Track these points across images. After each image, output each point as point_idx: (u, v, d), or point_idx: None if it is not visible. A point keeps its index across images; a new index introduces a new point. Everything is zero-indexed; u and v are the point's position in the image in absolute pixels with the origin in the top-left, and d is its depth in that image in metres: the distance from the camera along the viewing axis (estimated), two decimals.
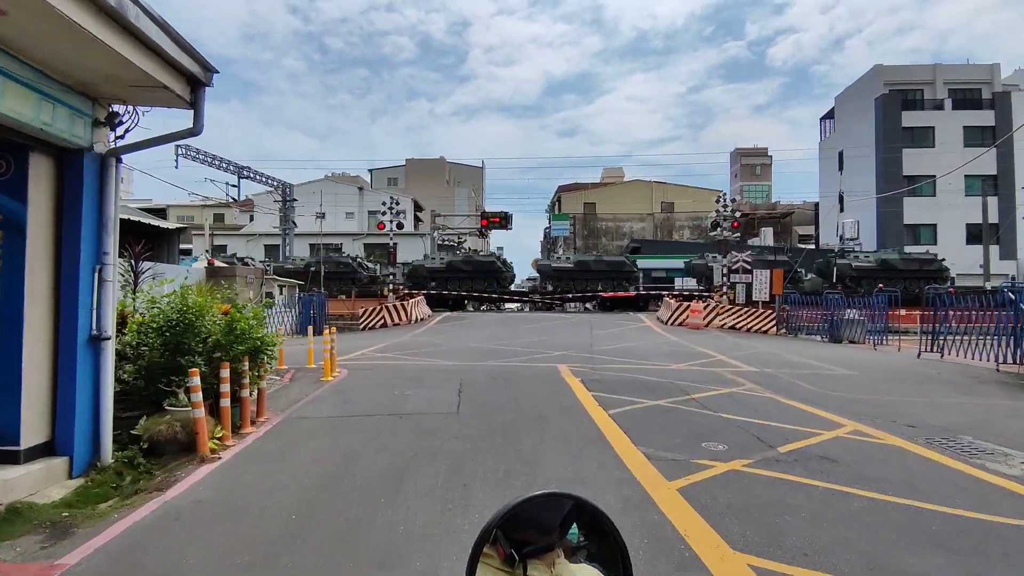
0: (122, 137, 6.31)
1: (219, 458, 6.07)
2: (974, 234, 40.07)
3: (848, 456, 6.05)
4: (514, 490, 4.99)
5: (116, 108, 6.10)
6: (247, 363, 7.06)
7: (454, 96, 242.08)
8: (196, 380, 6.03)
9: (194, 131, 5.79)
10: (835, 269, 32.59)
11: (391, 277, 31.32)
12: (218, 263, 18.46)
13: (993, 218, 37.23)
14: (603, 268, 37.58)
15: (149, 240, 10.94)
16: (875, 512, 4.55)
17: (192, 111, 5.81)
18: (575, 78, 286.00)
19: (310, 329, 14.72)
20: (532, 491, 1.09)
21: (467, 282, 36.42)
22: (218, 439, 6.42)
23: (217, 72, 5.84)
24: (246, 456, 6.17)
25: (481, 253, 40.02)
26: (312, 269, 35.87)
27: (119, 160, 5.99)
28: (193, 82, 5.79)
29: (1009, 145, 34.77)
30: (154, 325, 6.75)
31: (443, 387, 10.08)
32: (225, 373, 6.51)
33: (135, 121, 6.32)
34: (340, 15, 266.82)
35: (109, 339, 5.80)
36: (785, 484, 5.15)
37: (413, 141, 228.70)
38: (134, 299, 7.94)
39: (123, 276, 8.16)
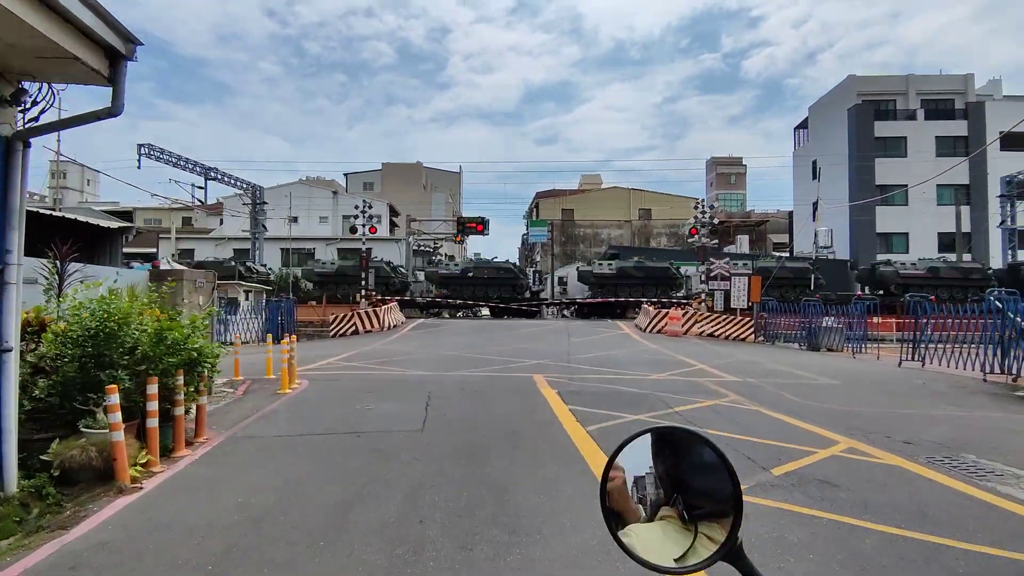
0: (36, 119, 5.54)
1: (140, 488, 5.29)
2: (946, 243, 40.56)
3: (849, 479, 5.50)
4: (477, 524, 4.32)
5: (26, 85, 5.33)
6: (182, 377, 6.26)
7: (433, 102, 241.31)
8: (114, 398, 5.24)
9: (113, 111, 5.02)
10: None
11: (363, 283, 30.36)
12: (173, 266, 17.42)
13: (965, 227, 37.71)
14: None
15: (89, 241, 10.01)
16: (890, 550, 3.97)
17: (111, 88, 5.05)
18: (554, 86, 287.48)
19: (269, 337, 13.82)
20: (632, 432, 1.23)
21: (638, 288, 35.43)
22: (142, 465, 5.63)
23: (140, 44, 5.09)
24: (173, 485, 5.38)
25: (650, 259, 38.33)
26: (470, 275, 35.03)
27: (27, 144, 5.20)
28: (112, 55, 5.03)
29: (981, 155, 35.24)
30: (72, 334, 5.93)
31: (410, 400, 9.36)
32: (152, 389, 5.72)
33: (51, 101, 5.55)
34: (318, 19, 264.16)
35: (11, 351, 4.98)
36: (785, 516, 4.55)
37: (392, 147, 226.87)
38: (59, 304, 7.08)
39: (47, 279, 7.30)
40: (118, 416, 5.25)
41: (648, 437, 1.22)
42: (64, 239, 8.08)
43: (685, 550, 1.13)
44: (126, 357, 5.93)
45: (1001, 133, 26.63)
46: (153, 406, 5.72)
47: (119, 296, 6.47)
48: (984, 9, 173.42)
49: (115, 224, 10.02)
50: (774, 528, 4.31)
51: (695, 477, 1.18)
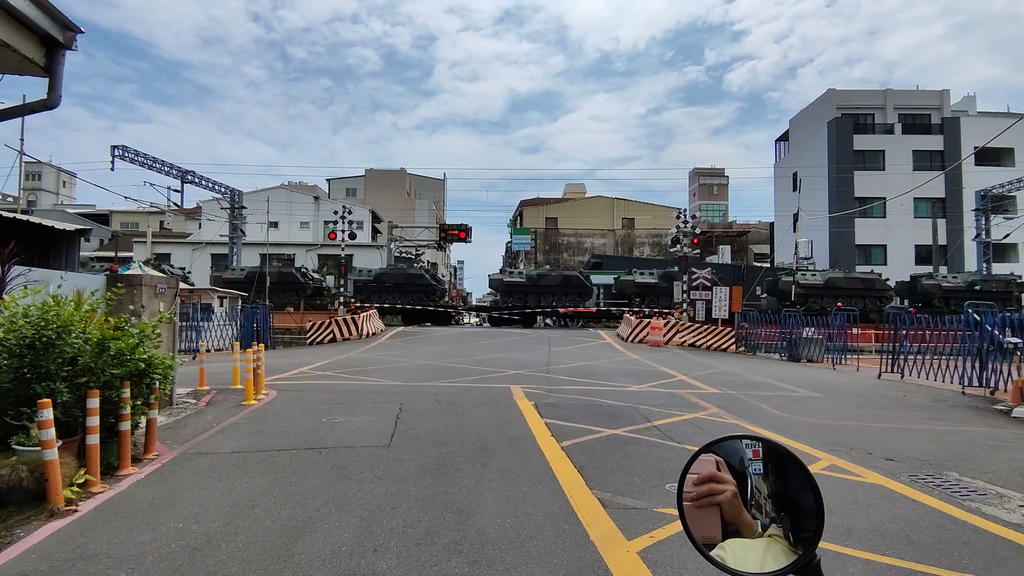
0: None
1: (75, 510, 4.88)
2: (922, 255, 41.12)
3: (832, 501, 5.25)
4: (436, 553, 3.99)
5: None
6: (128, 390, 5.85)
7: (419, 110, 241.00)
8: (47, 413, 4.83)
9: (49, 103, 4.66)
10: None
11: (342, 289, 29.90)
12: (147, 271, 16.75)
13: (941, 240, 38.20)
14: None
15: (43, 244, 9.50)
16: None
17: (47, 79, 4.69)
18: (540, 96, 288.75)
19: (236, 345, 13.36)
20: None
21: (846, 300, 34.71)
22: (80, 485, 5.22)
23: (81, 32, 4.74)
24: (112, 508, 4.97)
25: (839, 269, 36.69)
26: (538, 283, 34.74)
27: None
28: (49, 43, 4.68)
29: (956, 169, 35.79)
30: (8, 343, 5.52)
31: (379, 412, 9.00)
32: (93, 403, 5.32)
33: None
34: (303, 24, 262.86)
35: None
36: None
37: (376, 154, 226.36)
38: None
39: None
40: (51, 432, 4.85)
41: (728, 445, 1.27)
42: (15, 241, 7.64)
43: (761, 559, 1.18)
44: (66, 368, 5.53)
45: (976, 148, 27.00)
46: (93, 421, 5.32)
47: (64, 302, 6.06)
48: (956, 29, 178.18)
49: (70, 226, 9.53)
50: None
51: (786, 492, 1.22)
